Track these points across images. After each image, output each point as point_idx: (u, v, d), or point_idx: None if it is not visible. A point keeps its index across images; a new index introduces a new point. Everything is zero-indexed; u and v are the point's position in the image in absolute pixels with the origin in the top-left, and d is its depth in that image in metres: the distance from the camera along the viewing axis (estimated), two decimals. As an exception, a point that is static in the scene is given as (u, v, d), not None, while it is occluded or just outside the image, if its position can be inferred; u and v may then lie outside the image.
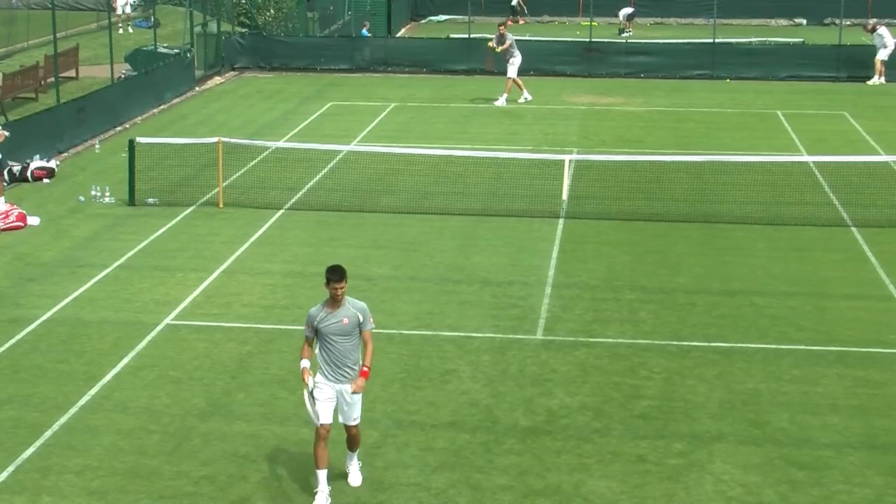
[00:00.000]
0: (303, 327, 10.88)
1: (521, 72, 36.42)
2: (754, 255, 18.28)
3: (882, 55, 34.86)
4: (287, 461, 11.57)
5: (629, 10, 47.58)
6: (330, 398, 10.72)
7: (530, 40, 38.99)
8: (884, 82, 34.68)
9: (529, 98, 31.50)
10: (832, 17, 46.78)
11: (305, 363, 10.74)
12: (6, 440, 11.99)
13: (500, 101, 31.24)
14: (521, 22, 49.20)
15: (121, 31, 40.27)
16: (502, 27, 32.03)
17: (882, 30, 35.23)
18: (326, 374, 10.73)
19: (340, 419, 10.87)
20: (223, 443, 11.95)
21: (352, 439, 11.08)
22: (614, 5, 50.70)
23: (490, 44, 32.24)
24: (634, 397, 13.11)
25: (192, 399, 12.98)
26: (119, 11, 41.24)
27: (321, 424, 10.68)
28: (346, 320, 10.62)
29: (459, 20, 48.04)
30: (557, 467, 11.50)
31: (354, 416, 10.87)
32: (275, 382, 13.44)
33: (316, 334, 10.68)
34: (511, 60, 31.40)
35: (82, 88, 30.43)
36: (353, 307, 10.69)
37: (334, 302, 10.61)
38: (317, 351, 10.79)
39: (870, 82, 34.82)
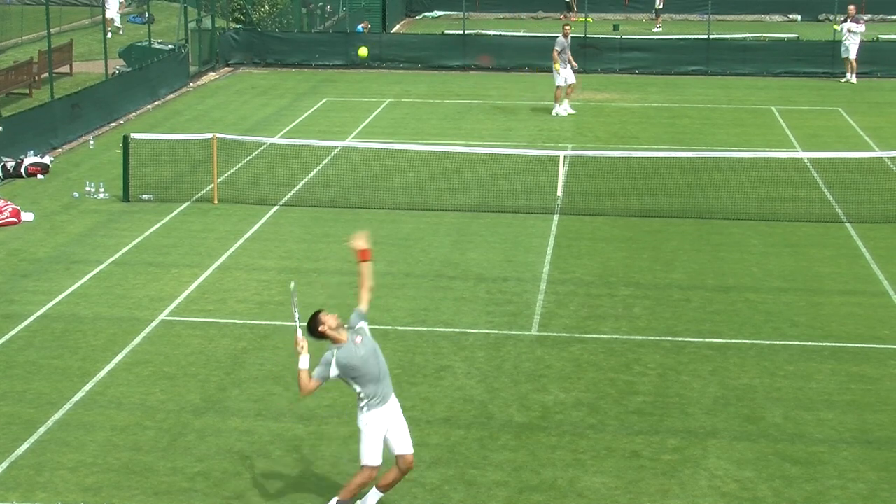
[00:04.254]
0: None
1: (516, 68, 36.58)
2: (748, 250, 18.30)
3: (853, 52, 34.53)
4: (281, 457, 11.57)
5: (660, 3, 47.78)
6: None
7: (524, 36, 39.05)
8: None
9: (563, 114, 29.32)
10: (826, 13, 46.82)
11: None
12: (0, 436, 11.97)
13: (560, 110, 29.21)
14: (572, 19, 49.02)
15: (110, 34, 40.13)
16: (568, 27, 29.50)
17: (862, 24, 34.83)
18: (378, 405, 9.90)
19: (400, 450, 10.12)
20: (218, 439, 11.95)
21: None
22: (609, 2, 50.82)
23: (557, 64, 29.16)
24: (629, 393, 13.12)
25: (187, 395, 12.98)
26: (110, 16, 41.10)
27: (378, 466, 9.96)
28: (359, 338, 9.92)
29: (455, 16, 48.11)
30: (552, 463, 11.51)
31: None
32: (269, 378, 13.44)
33: (349, 378, 9.78)
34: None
35: (76, 84, 30.42)
36: (351, 327, 9.99)
37: (341, 336, 9.80)
38: (373, 390, 9.86)
39: (849, 79, 34.67)
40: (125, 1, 42.85)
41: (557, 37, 29.40)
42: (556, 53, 28.88)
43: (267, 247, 18.36)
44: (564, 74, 28.94)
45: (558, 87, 29.12)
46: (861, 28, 34.33)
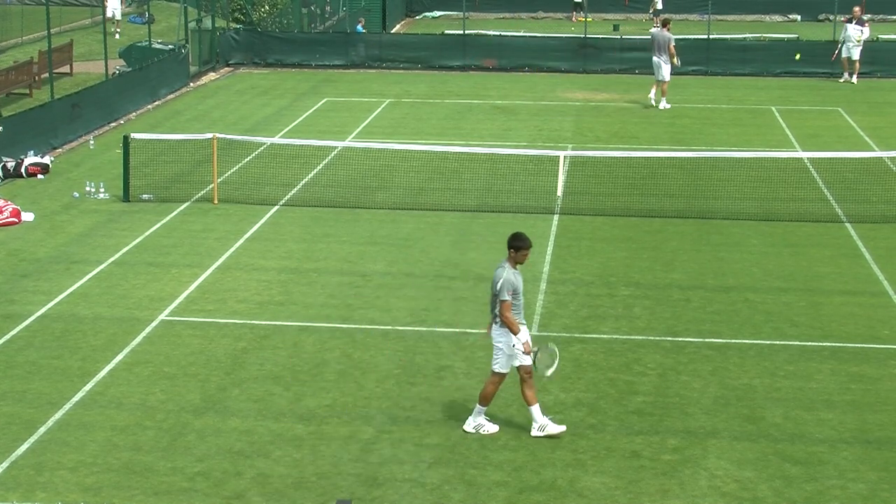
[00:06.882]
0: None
1: (516, 68, 36.57)
2: (748, 250, 18.30)
3: (857, 53, 34.53)
4: (282, 457, 11.57)
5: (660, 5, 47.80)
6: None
7: (525, 36, 39.05)
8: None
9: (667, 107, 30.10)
10: (826, 13, 46.81)
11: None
12: (0, 436, 11.98)
13: (665, 104, 30.09)
14: (581, 20, 48.96)
15: (116, 35, 40.13)
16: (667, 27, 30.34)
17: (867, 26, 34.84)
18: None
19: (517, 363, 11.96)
20: (218, 439, 11.95)
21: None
22: (609, 2, 50.81)
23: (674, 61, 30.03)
24: (629, 393, 13.12)
25: (187, 395, 12.98)
26: (109, 15, 41.04)
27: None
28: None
29: (455, 16, 48.11)
30: (552, 463, 11.51)
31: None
32: (269, 378, 13.44)
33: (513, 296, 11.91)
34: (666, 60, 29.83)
35: (76, 84, 30.43)
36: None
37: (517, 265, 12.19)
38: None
39: (848, 80, 34.64)
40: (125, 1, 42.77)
41: (662, 33, 29.97)
42: (673, 48, 29.61)
43: (267, 247, 18.36)
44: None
45: (666, 81, 29.85)
46: (865, 35, 34.29)
